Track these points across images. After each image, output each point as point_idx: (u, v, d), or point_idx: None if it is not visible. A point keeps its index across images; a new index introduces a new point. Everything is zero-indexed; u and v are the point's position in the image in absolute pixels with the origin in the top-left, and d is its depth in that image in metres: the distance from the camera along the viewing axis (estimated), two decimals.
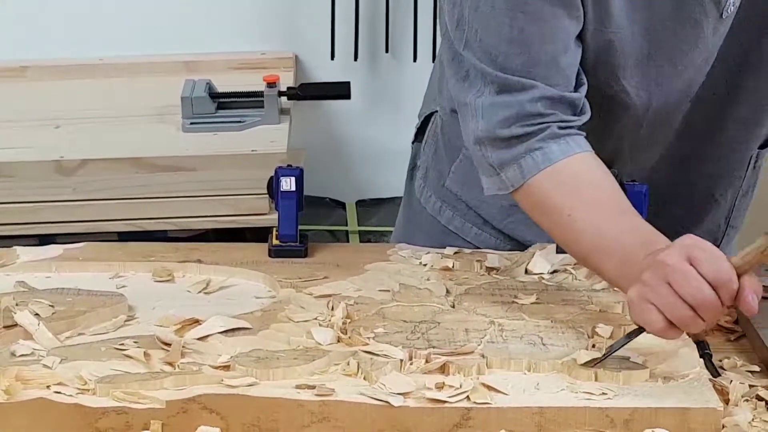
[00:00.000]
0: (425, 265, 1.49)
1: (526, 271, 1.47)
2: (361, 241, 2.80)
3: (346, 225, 2.88)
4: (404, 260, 1.51)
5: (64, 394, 1.15)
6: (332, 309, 1.34)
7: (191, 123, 2.45)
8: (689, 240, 1.19)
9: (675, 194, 1.56)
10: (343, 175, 2.98)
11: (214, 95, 2.48)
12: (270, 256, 1.51)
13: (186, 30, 2.87)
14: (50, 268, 1.48)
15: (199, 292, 1.43)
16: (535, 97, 1.32)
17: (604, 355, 1.21)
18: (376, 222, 2.89)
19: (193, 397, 1.14)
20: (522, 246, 1.59)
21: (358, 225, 2.88)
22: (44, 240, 2.39)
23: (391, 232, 2.80)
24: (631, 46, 1.38)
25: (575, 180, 1.33)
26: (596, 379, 1.19)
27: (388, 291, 1.40)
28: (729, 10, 1.36)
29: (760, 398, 1.20)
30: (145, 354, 1.22)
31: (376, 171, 2.97)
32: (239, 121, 2.46)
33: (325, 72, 2.88)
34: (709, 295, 1.14)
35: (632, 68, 1.40)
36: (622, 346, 1.23)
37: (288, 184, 1.54)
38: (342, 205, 2.97)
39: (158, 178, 2.34)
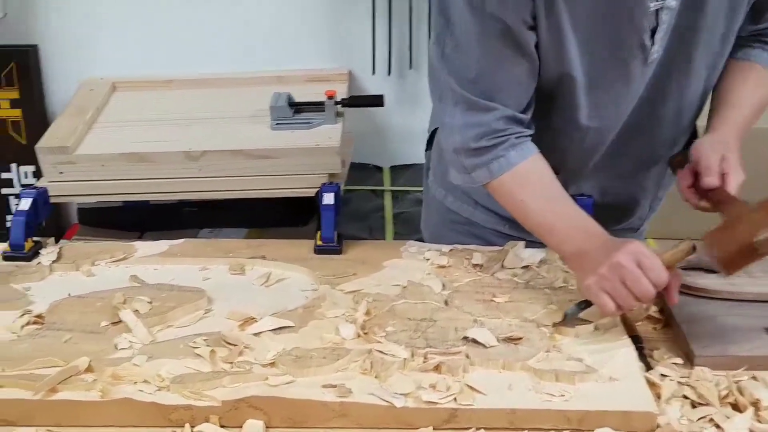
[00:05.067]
0: (428, 259, 1.21)
1: (503, 267, 1.19)
2: (393, 197, 2.51)
3: (383, 185, 2.59)
4: (412, 256, 1.23)
5: (145, 392, 0.90)
6: (357, 303, 1.08)
7: (276, 124, 2.15)
8: (636, 247, 0.99)
9: (611, 201, 1.29)
10: (381, 148, 2.67)
11: (292, 104, 2.17)
12: (315, 252, 1.24)
13: (276, 51, 2.53)
14: (157, 262, 1.22)
15: (262, 284, 1.16)
16: (498, 117, 1.08)
17: (563, 321, 1.03)
18: (404, 182, 2.58)
19: (243, 398, 0.88)
20: (501, 217, 1.32)
21: (392, 185, 2.58)
22: (180, 203, 2.16)
23: (415, 190, 2.56)
24: (578, 81, 1.10)
25: (527, 176, 1.10)
26: (557, 380, 0.92)
27: (399, 285, 1.13)
28: (652, 58, 1.09)
29: (686, 397, 0.92)
30: (211, 352, 0.96)
31: (403, 145, 2.65)
32: (308, 123, 2.15)
33: (369, 83, 2.56)
34: (652, 292, 0.98)
35: (579, 98, 1.12)
36: (575, 314, 1.03)
37: (329, 198, 1.26)
38: (380, 170, 2.67)
39: (254, 162, 2.05)
